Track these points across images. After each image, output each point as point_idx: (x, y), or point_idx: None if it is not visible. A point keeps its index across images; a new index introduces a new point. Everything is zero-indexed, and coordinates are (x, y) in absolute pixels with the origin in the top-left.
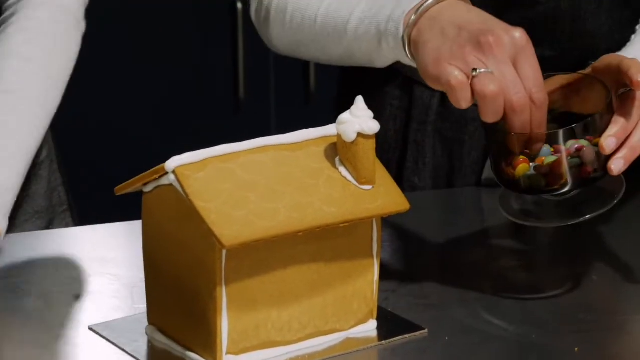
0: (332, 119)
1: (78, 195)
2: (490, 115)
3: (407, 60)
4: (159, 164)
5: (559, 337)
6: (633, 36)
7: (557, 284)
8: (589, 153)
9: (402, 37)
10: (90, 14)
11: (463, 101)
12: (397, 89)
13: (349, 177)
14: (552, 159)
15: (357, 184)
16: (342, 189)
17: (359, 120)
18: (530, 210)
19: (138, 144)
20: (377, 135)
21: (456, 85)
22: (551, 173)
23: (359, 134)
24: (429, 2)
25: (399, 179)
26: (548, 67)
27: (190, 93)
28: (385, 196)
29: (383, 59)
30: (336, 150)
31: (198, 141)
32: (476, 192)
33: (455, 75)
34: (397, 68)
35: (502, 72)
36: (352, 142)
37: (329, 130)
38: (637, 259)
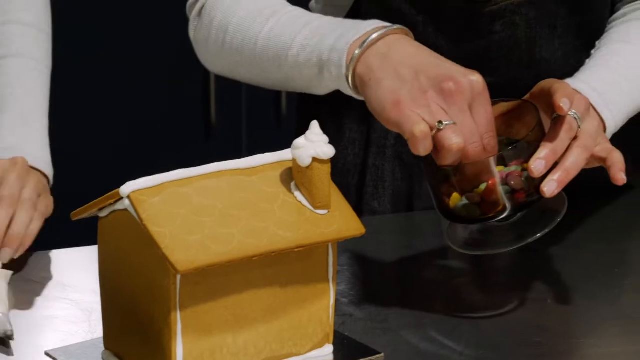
0: None
1: None
2: (448, 162)
3: (349, 92)
4: (116, 177)
5: None
6: (587, 60)
7: (511, 305)
8: (518, 178)
9: (346, 68)
10: (61, 32)
11: (424, 151)
12: (356, 112)
13: (305, 202)
14: (483, 187)
15: (312, 208)
16: (298, 214)
17: (313, 145)
18: (477, 237)
19: (109, 170)
20: (337, 160)
21: (420, 137)
22: (484, 201)
23: (314, 159)
24: (373, 36)
25: (359, 203)
26: (505, 94)
27: (162, 118)
28: (340, 220)
29: (323, 87)
30: (292, 175)
31: (170, 167)
32: (435, 216)
33: (421, 128)
34: None
35: (462, 122)
36: (308, 167)
37: (285, 155)
38: (588, 281)
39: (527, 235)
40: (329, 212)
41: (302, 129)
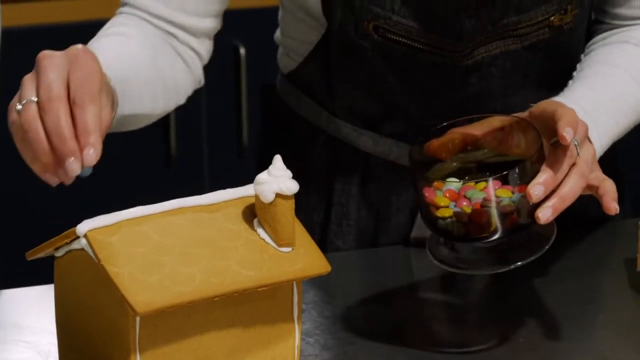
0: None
1: None
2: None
3: None
4: (72, 215)
5: None
6: (571, 81)
7: (484, 344)
8: (517, 201)
9: None
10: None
11: (17, 139)
12: (320, 148)
13: (268, 239)
14: (475, 205)
15: (276, 246)
16: (261, 252)
17: (277, 180)
18: (458, 255)
19: (65, 204)
20: (300, 196)
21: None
22: (472, 222)
23: (277, 195)
24: None
25: (323, 241)
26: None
27: (121, 149)
28: (305, 258)
29: None
30: (254, 211)
31: (129, 199)
32: (403, 251)
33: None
34: (320, 126)
35: (42, 85)
36: (271, 203)
37: (247, 190)
38: (562, 319)
39: (512, 259)
40: (293, 249)
41: (265, 164)
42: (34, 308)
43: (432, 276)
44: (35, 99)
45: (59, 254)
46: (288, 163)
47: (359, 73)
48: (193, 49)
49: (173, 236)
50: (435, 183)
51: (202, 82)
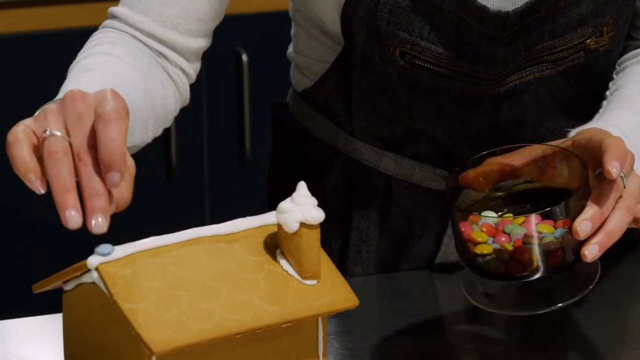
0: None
1: None
2: (51, 174)
3: None
4: (83, 244)
5: None
6: (606, 102)
7: None
8: (561, 238)
9: None
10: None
11: (11, 156)
12: (338, 170)
13: (291, 271)
14: (516, 242)
15: (300, 278)
16: (284, 285)
17: (301, 208)
18: (497, 294)
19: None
20: None
21: (10, 140)
22: (513, 259)
23: (302, 224)
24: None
25: (340, 269)
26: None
27: None
28: (331, 292)
29: None
30: (276, 241)
31: (129, 209)
32: (427, 276)
33: (13, 132)
34: (338, 147)
35: (73, 129)
36: (294, 233)
37: (268, 218)
38: (603, 350)
39: (554, 300)
40: (318, 282)
41: (276, 185)
42: (39, 340)
43: (457, 303)
44: (62, 135)
45: (68, 287)
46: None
47: (381, 98)
48: (183, 70)
49: (190, 269)
50: (471, 216)
51: (188, 101)
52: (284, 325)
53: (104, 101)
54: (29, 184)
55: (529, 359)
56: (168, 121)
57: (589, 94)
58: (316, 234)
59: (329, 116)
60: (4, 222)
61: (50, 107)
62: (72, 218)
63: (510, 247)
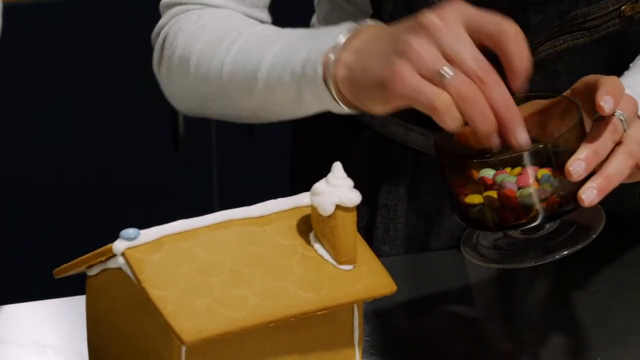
0: (277, 156)
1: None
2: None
3: (336, 107)
4: (93, 216)
5: None
6: (627, 71)
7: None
8: (557, 183)
9: (324, 77)
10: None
11: (452, 122)
12: (364, 146)
13: (326, 256)
14: (506, 187)
15: (335, 263)
16: (319, 270)
17: (337, 190)
18: (498, 249)
19: (67, 190)
20: None
21: (444, 110)
22: (504, 207)
23: (338, 207)
24: (345, 37)
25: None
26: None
27: (129, 129)
28: (368, 277)
29: (303, 109)
30: (310, 224)
31: (137, 180)
32: (457, 256)
33: (443, 99)
34: (363, 121)
35: (460, 52)
36: (330, 216)
37: (301, 200)
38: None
39: (556, 250)
40: (354, 267)
41: (298, 161)
42: (59, 324)
43: (489, 284)
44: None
45: (92, 272)
46: (326, 162)
47: None
48: None
49: (221, 253)
50: (468, 172)
51: None
52: (319, 313)
53: (490, 20)
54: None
55: (565, 343)
56: None
57: (624, 64)
58: (352, 217)
59: None
60: (25, 205)
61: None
62: (496, 141)
63: (495, 194)
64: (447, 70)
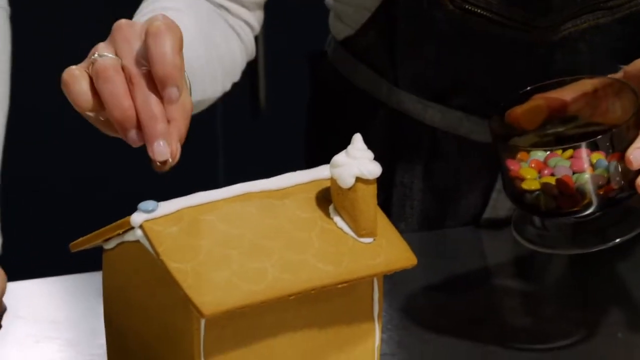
0: (283, 136)
1: (11, 241)
2: (104, 96)
3: None
4: (106, 188)
5: None
6: None
7: (574, 338)
8: (613, 169)
9: None
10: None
11: (77, 95)
12: (381, 123)
13: (346, 229)
14: (563, 174)
15: (355, 236)
16: (339, 243)
17: (357, 162)
18: (548, 233)
19: (77, 163)
20: None
21: (67, 79)
22: (562, 194)
23: (358, 179)
24: None
25: None
26: None
27: None
28: (388, 250)
29: None
30: (329, 197)
31: (142, 159)
32: (474, 233)
33: (69, 71)
34: (380, 98)
35: (121, 50)
36: (350, 189)
37: (320, 172)
38: None
39: (611, 236)
40: (374, 240)
41: (315, 138)
42: (71, 301)
43: (506, 260)
44: (112, 56)
45: (108, 246)
46: (342, 138)
47: (428, 45)
48: (246, 22)
49: (240, 226)
50: (519, 154)
51: (254, 54)
52: (339, 286)
53: (153, 20)
54: (90, 120)
55: (582, 320)
56: (236, 75)
57: None
58: (373, 189)
59: (371, 65)
60: (40, 179)
61: (99, 44)
62: (135, 138)
63: (553, 181)
64: (97, 55)
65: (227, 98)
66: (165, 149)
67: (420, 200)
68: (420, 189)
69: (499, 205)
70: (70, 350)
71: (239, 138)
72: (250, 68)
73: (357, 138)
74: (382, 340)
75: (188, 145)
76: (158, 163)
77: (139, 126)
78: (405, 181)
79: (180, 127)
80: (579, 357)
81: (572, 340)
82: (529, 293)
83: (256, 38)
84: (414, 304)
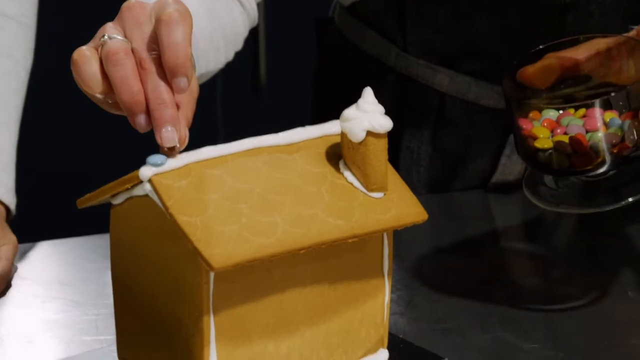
0: (285, 115)
1: (20, 204)
2: (115, 79)
3: None
4: (120, 164)
5: None
6: None
7: (586, 298)
8: (627, 128)
9: None
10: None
11: (84, 76)
12: (389, 88)
13: (357, 184)
14: (576, 132)
15: (366, 191)
16: (349, 198)
17: (368, 116)
18: (562, 192)
19: (89, 126)
20: None
21: (77, 60)
22: (576, 152)
23: (369, 133)
24: None
25: None
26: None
27: None
28: (399, 205)
29: None
30: (339, 152)
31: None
32: (482, 196)
33: (79, 51)
34: (388, 63)
35: (131, 34)
36: (361, 143)
37: (330, 127)
38: None
39: (623, 196)
40: (385, 195)
41: (322, 104)
42: (76, 262)
43: (515, 223)
44: (122, 39)
45: (117, 201)
46: (349, 104)
47: (439, 9)
48: None
49: (250, 181)
50: (531, 113)
51: (257, 21)
52: (349, 241)
53: (165, 5)
54: (98, 102)
55: (591, 280)
56: (238, 44)
57: None
58: (384, 144)
59: (379, 31)
60: (46, 137)
61: (107, 23)
62: (142, 122)
63: (566, 139)
64: (107, 37)
65: (228, 70)
66: (173, 135)
67: (428, 165)
68: (428, 154)
69: (508, 170)
70: (76, 310)
71: (239, 117)
72: (251, 40)
73: (368, 91)
74: (392, 299)
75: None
76: (166, 149)
77: (147, 111)
78: (412, 146)
79: (187, 112)
80: (590, 316)
81: (582, 301)
82: (538, 255)
83: (258, 5)
84: (424, 264)
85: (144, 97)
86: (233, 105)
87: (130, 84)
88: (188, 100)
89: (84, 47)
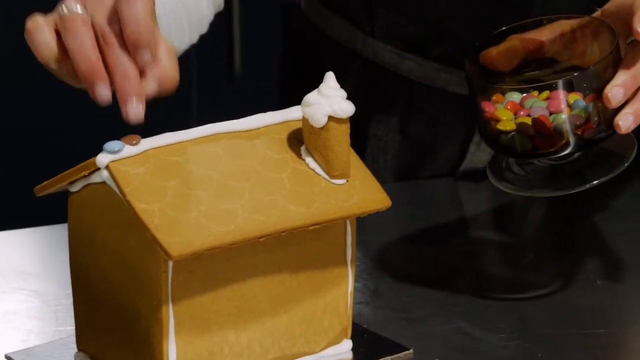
0: (259, 105)
1: None
2: (72, 48)
3: None
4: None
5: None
6: None
7: (552, 286)
8: (591, 109)
9: None
10: None
11: (38, 44)
12: (355, 74)
13: (318, 170)
14: (539, 114)
15: (328, 177)
16: (311, 184)
17: (329, 100)
18: (525, 176)
19: (54, 131)
20: None
21: (30, 28)
22: (539, 134)
23: (330, 118)
24: None
25: None
26: None
27: None
28: (362, 192)
29: None
30: (301, 138)
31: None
32: (450, 184)
33: (32, 20)
34: (354, 49)
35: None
36: (322, 128)
37: (292, 113)
38: (637, 257)
39: (589, 178)
40: (347, 181)
41: (288, 91)
42: (38, 252)
43: (483, 211)
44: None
45: (74, 188)
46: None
47: None
48: None
49: (209, 167)
50: (494, 96)
51: (222, 6)
52: (310, 228)
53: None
54: (54, 72)
55: (559, 269)
56: (204, 27)
57: None
58: (346, 129)
59: (346, 16)
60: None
61: None
62: (103, 92)
63: (529, 121)
64: (64, 7)
65: (202, 60)
66: (139, 109)
67: (396, 153)
68: (396, 142)
69: (477, 158)
70: (37, 300)
71: (214, 107)
72: (226, 29)
73: (330, 76)
74: (356, 289)
75: (162, 114)
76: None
77: (109, 82)
78: (379, 134)
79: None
80: (557, 305)
81: (550, 289)
82: (506, 243)
83: (230, 2)
84: (390, 253)
85: (103, 65)
86: (208, 96)
87: (88, 52)
88: (169, 56)
89: (38, 16)
